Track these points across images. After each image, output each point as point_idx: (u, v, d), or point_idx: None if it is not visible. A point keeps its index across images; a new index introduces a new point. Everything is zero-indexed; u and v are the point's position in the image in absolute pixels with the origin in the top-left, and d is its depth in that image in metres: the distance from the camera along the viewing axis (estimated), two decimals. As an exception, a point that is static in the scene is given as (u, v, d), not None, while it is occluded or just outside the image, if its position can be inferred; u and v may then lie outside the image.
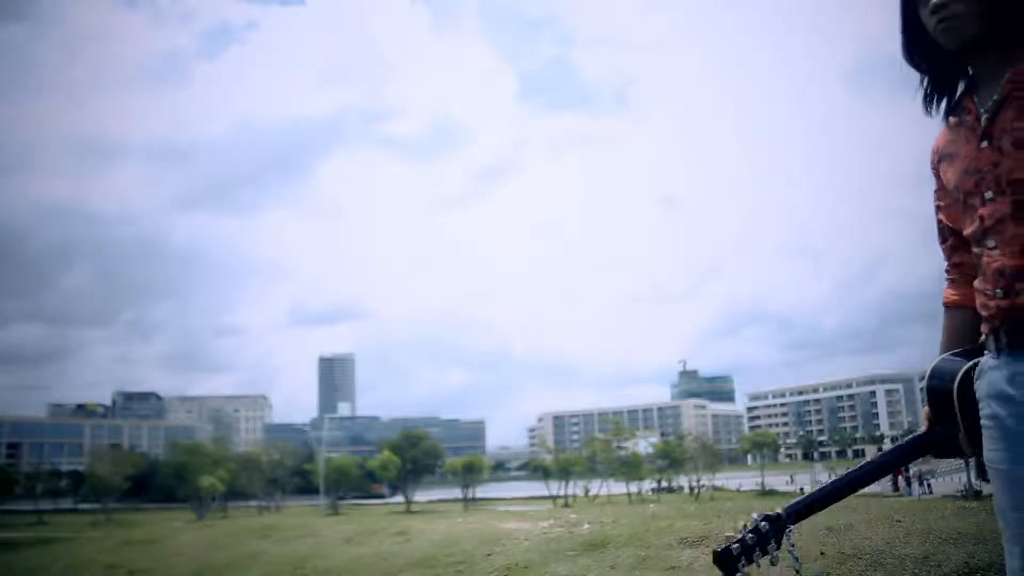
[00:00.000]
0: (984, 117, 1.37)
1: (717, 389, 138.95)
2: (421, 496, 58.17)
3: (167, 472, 61.87)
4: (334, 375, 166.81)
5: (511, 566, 4.24)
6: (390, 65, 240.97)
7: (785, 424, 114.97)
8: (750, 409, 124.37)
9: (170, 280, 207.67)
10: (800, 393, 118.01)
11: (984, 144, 1.37)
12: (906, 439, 1.47)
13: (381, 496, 68.22)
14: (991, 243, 1.34)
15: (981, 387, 1.36)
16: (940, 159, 1.49)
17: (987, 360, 1.36)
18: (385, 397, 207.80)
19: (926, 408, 1.47)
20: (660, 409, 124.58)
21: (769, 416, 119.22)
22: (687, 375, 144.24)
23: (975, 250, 1.40)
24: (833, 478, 1.49)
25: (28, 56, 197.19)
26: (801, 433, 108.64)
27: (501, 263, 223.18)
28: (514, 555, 4.45)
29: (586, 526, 8.36)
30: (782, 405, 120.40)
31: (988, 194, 1.34)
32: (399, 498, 56.64)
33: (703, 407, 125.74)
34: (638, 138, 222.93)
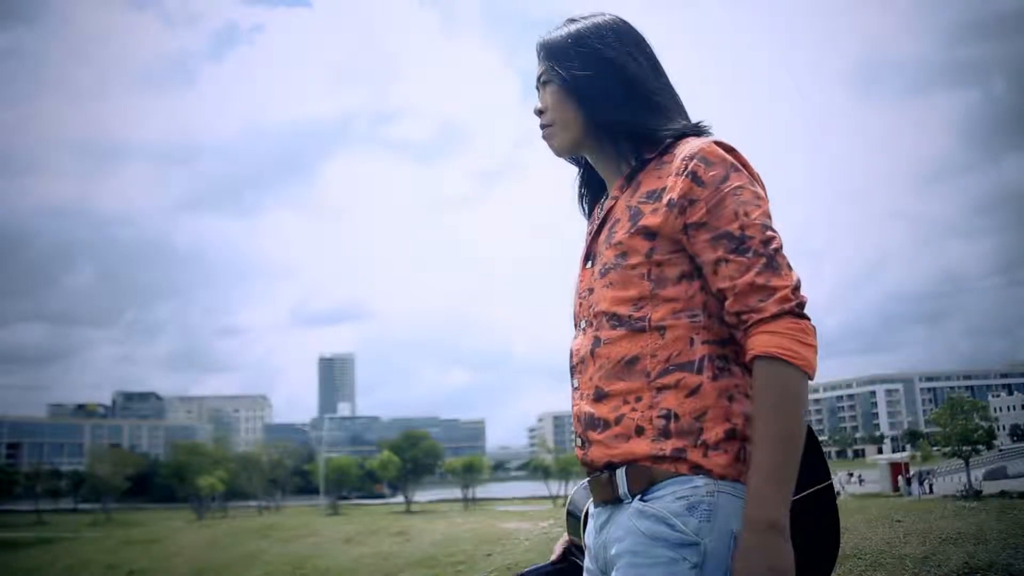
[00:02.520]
0: (591, 232, 1.21)
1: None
2: (421, 496, 58.16)
3: (167, 472, 61.90)
4: (334, 375, 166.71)
5: (511, 566, 4.23)
6: (395, 67, 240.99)
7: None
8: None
9: (173, 280, 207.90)
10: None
11: (588, 264, 1.19)
12: (542, 565, 1.35)
13: (382, 496, 68.27)
14: (575, 382, 1.16)
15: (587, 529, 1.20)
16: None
17: (591, 503, 1.18)
18: (385, 397, 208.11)
19: (565, 535, 1.33)
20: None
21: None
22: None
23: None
24: None
25: (35, 58, 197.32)
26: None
27: (502, 263, 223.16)
28: (514, 555, 4.45)
29: (586, 526, 8.26)
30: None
31: (582, 323, 1.17)
32: (399, 498, 56.65)
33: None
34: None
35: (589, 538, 1.16)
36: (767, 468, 0.97)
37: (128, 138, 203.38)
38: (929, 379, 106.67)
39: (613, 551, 1.07)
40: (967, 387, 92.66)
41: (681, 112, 1.20)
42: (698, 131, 1.16)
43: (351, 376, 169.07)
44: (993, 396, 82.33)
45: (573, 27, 1.21)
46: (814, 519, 1.18)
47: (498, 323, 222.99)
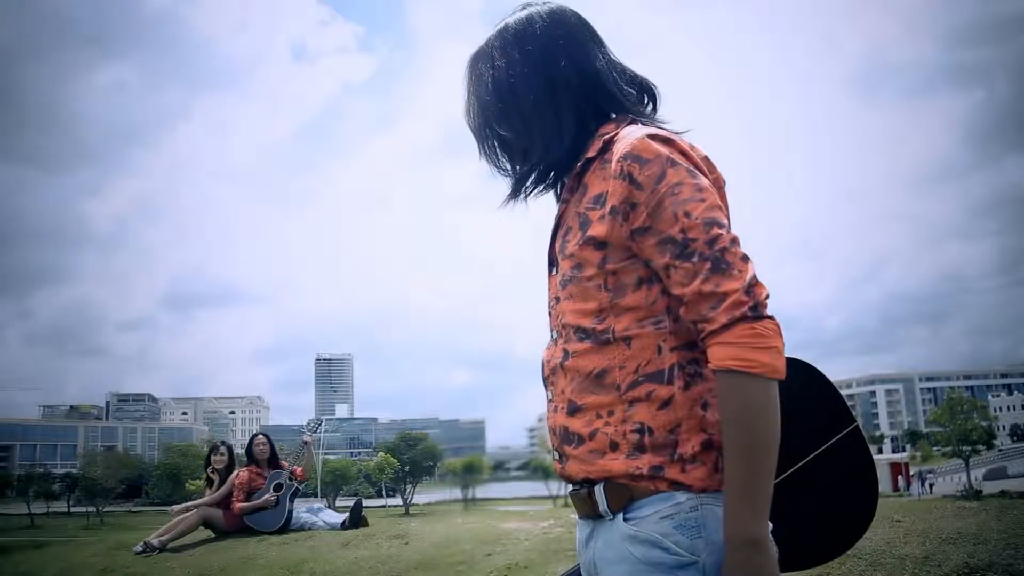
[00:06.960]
0: (550, 236, 1.17)
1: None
2: (420, 498, 58.12)
3: (161, 474, 61.71)
4: (332, 376, 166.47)
5: (511, 566, 4.19)
6: (398, 66, 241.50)
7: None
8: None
9: (175, 281, 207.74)
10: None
11: (553, 271, 1.15)
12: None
13: (381, 495, 68.32)
14: (549, 394, 1.14)
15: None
16: None
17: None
18: (385, 398, 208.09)
19: None
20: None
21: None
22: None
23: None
24: None
25: (52, 60, 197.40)
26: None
27: (503, 263, 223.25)
28: (514, 555, 4.40)
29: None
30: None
31: (554, 334, 1.14)
32: (398, 500, 56.61)
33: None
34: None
35: (578, 545, 1.15)
36: (738, 484, 0.95)
37: (132, 139, 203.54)
38: (929, 379, 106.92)
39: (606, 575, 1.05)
40: (967, 387, 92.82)
41: (606, 97, 1.13)
42: (620, 107, 1.13)
43: (349, 377, 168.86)
44: (993, 396, 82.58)
45: (476, 51, 1.21)
46: (847, 464, 1.23)
47: (498, 323, 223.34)
